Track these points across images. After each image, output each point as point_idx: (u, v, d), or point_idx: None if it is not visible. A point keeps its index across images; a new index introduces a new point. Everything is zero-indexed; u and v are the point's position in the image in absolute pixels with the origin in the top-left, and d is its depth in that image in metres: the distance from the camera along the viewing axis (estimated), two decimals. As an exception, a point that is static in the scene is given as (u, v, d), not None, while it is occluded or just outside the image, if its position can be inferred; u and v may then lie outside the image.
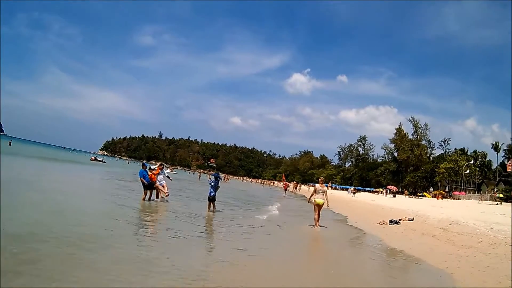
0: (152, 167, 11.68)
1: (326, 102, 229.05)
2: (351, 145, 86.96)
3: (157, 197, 11.26)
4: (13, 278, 3.19)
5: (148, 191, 10.81)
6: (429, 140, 65.69)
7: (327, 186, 12.17)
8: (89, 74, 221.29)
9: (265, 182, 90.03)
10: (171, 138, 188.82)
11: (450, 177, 52.47)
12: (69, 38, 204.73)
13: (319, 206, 9.41)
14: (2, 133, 23.98)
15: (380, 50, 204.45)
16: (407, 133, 66.39)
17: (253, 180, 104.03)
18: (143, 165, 11.61)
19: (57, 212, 6.86)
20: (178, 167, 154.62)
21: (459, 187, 50.96)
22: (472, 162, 53.02)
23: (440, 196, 40.57)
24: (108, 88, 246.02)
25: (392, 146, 69.54)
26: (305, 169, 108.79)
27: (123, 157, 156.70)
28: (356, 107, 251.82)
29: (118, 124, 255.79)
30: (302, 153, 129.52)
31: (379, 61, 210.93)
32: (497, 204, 27.78)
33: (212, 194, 10.25)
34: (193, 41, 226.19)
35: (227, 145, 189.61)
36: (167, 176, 11.92)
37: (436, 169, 54.25)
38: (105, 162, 52.65)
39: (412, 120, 65.45)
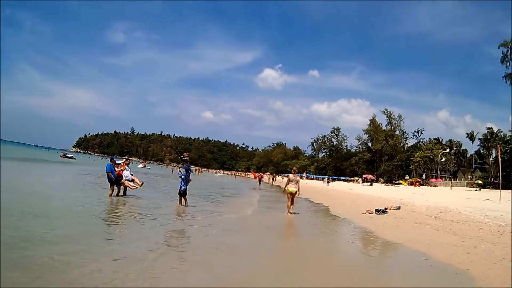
0: (117, 162, 10.52)
1: (298, 96, 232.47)
2: (324, 136, 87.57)
3: (124, 193, 10.34)
4: None
5: (116, 187, 10.02)
6: (403, 131, 68.00)
7: (301, 176, 11.85)
8: (61, 71, 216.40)
9: (238, 174, 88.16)
10: (143, 133, 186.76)
11: (426, 165, 54.24)
12: (41, 35, 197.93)
13: (292, 194, 9.87)
14: None
15: (351, 46, 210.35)
16: (381, 124, 68.16)
17: (226, 172, 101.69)
18: (112, 159, 10.40)
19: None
20: (151, 161, 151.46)
21: (434, 174, 52.89)
22: (447, 150, 55.13)
23: (417, 183, 41.70)
24: (80, 85, 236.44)
25: (366, 136, 71.13)
26: (278, 161, 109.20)
27: (96, 154, 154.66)
28: (328, 100, 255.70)
29: (90, 121, 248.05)
30: (275, 145, 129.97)
31: (351, 57, 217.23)
32: (476, 190, 28.66)
33: (183, 188, 9.22)
34: (164, 37, 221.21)
35: (200, 139, 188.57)
36: (131, 174, 10.58)
37: (411, 158, 55.77)
38: (75, 159, 49.46)
39: (385, 112, 67.33)
